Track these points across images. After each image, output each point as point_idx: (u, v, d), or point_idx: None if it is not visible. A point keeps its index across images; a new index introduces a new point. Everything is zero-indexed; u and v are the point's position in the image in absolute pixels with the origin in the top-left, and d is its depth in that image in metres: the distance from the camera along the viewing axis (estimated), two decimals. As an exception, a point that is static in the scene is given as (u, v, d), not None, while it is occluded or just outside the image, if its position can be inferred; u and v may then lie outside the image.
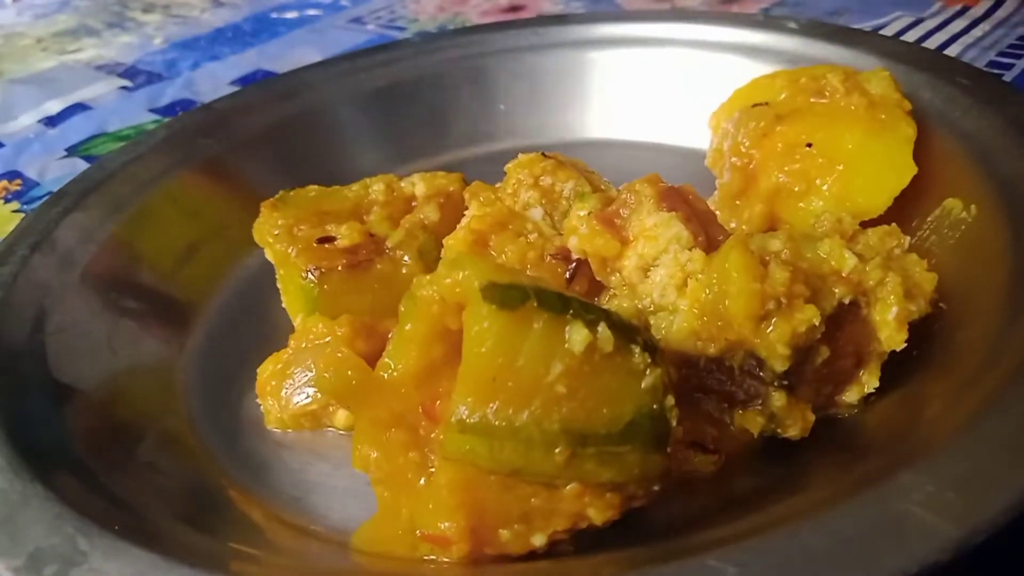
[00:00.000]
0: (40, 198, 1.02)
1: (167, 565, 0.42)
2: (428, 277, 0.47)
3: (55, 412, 0.56)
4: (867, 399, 0.54)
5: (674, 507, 0.49)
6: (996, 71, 0.99)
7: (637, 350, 0.44)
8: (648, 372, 0.44)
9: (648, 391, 0.44)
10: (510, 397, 0.42)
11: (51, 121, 1.24)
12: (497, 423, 0.42)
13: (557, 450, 0.42)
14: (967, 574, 0.42)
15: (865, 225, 0.62)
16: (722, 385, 0.52)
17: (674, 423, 0.44)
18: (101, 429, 0.57)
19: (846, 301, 0.52)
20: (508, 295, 0.43)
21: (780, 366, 0.50)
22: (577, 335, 0.42)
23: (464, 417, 0.43)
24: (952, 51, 1.06)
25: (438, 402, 0.47)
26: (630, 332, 0.44)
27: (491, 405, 0.42)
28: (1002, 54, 1.04)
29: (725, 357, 0.51)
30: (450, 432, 0.43)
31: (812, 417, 0.52)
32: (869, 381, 0.53)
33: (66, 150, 1.15)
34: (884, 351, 0.53)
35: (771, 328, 0.49)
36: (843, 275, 0.52)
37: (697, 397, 0.52)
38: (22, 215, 0.99)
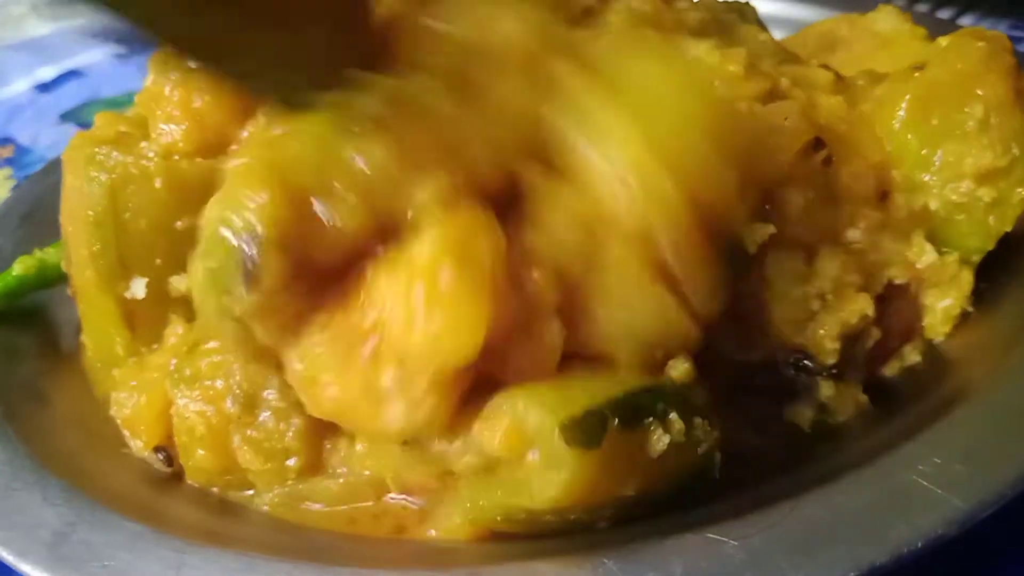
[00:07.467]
0: (33, 164, 1.00)
1: (155, 537, 0.41)
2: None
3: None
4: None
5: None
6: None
7: (699, 422, 0.39)
8: (705, 440, 0.40)
9: (702, 457, 0.40)
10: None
11: (44, 87, 1.22)
12: (546, 519, 0.38)
13: (600, 526, 0.40)
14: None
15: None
16: (768, 380, 0.48)
17: (717, 475, 0.42)
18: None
19: (896, 281, 0.49)
20: (589, 428, 0.36)
21: (830, 360, 0.46)
22: (657, 443, 0.37)
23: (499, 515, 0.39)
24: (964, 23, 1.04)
25: None
26: (690, 402, 0.40)
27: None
28: (1014, 26, 1.02)
29: (768, 359, 0.47)
30: (474, 510, 0.39)
31: (864, 398, 0.48)
32: (911, 355, 0.51)
33: (60, 116, 1.13)
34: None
35: (817, 327, 0.46)
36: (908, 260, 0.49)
37: (746, 401, 0.48)
38: (14, 181, 0.97)
